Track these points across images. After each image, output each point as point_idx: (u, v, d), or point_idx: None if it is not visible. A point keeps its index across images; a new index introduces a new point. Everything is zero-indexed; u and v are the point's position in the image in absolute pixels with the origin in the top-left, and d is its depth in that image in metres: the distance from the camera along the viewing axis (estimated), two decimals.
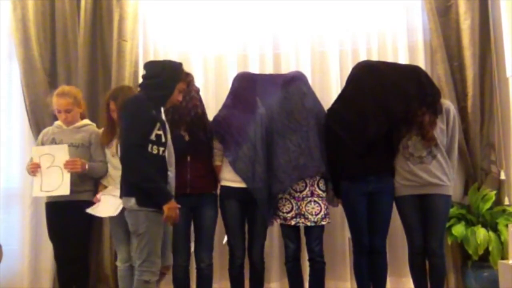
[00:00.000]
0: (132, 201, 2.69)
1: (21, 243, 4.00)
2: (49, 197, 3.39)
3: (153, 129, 2.68)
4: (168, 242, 2.89)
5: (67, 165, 3.25)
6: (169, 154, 2.93)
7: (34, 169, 3.31)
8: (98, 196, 3.28)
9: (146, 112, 2.68)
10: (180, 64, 2.89)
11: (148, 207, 2.67)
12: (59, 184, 3.26)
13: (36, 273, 3.99)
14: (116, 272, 3.41)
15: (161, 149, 2.73)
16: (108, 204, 3.22)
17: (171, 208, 2.68)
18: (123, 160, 2.71)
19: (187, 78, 3.09)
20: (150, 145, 2.67)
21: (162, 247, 2.81)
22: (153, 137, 2.67)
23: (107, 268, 3.84)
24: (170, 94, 2.81)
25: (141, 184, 2.66)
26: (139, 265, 2.70)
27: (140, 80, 3.85)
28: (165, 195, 2.70)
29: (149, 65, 2.88)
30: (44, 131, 3.52)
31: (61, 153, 3.28)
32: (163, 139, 2.74)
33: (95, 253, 3.88)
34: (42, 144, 3.42)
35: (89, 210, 3.23)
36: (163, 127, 2.75)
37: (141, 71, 3.93)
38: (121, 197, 2.82)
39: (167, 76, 2.78)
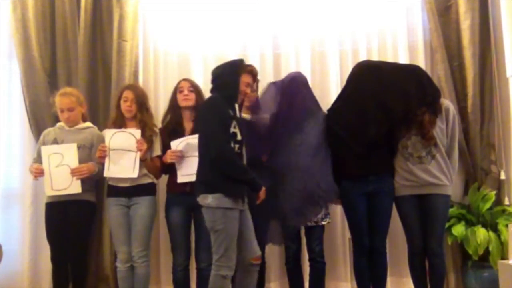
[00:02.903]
0: (209, 199, 2.78)
1: (21, 243, 4.00)
2: (49, 197, 3.40)
3: (230, 126, 2.79)
4: (252, 234, 2.93)
5: (73, 173, 3.29)
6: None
7: (37, 174, 3.33)
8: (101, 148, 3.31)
9: (222, 110, 2.81)
10: (239, 60, 3.00)
11: (227, 203, 2.76)
12: (69, 183, 3.30)
13: (36, 273, 3.98)
14: (116, 272, 3.43)
15: (237, 146, 2.83)
16: (121, 162, 3.28)
17: (264, 192, 2.90)
18: (217, 157, 2.76)
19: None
20: (231, 141, 2.79)
21: (246, 240, 2.89)
22: (231, 132, 2.79)
23: (107, 268, 3.84)
24: (236, 89, 2.92)
25: (239, 176, 2.79)
26: (216, 260, 2.77)
27: (141, 80, 3.95)
28: (258, 183, 2.87)
29: (213, 70, 3.01)
30: (46, 131, 3.53)
31: (70, 152, 3.33)
32: (239, 137, 2.83)
33: (95, 254, 3.87)
34: (44, 144, 3.43)
35: (106, 174, 3.32)
36: (239, 125, 2.85)
37: (141, 71, 4.01)
38: (196, 194, 2.89)
39: (227, 75, 2.91)
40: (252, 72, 3.25)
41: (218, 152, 2.76)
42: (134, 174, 3.28)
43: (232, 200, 2.77)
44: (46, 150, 3.37)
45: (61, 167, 3.32)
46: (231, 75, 2.91)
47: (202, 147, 2.88)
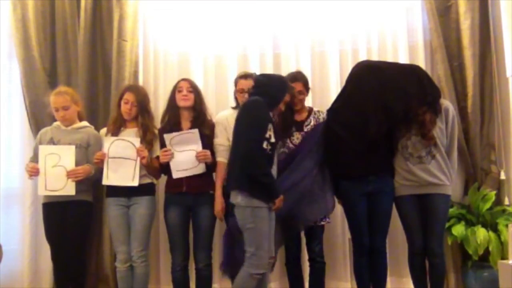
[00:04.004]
0: (239, 198, 2.84)
1: (21, 243, 4.00)
2: (46, 197, 3.40)
3: (266, 128, 2.87)
4: (273, 234, 2.97)
5: (69, 175, 3.29)
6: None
7: (32, 173, 3.33)
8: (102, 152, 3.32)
9: (262, 111, 2.91)
10: (287, 79, 3.16)
11: (256, 201, 2.80)
12: (64, 185, 3.30)
13: (36, 273, 3.98)
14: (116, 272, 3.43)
15: (269, 147, 2.88)
16: (120, 171, 3.29)
17: (281, 200, 2.92)
18: (244, 154, 2.82)
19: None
20: (265, 142, 2.85)
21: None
22: (267, 135, 2.86)
23: (107, 268, 3.84)
24: (278, 104, 3.02)
25: (258, 177, 2.82)
26: (247, 258, 2.82)
27: (141, 80, 3.93)
28: (277, 190, 2.91)
29: (259, 77, 3.14)
30: (43, 131, 3.54)
31: (68, 154, 3.33)
32: (273, 139, 2.90)
33: (95, 254, 3.88)
34: (40, 144, 3.44)
35: (105, 182, 3.31)
36: (274, 129, 2.93)
37: (141, 71, 4.01)
38: (228, 190, 2.96)
39: (275, 88, 3.00)
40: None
41: (246, 148, 2.81)
42: (134, 183, 3.28)
43: (259, 199, 2.81)
44: (43, 150, 3.36)
45: (57, 168, 3.32)
46: (279, 91, 3.01)
47: (234, 144, 2.95)
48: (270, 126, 2.89)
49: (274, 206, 2.91)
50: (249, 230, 2.82)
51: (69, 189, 3.30)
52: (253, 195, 2.81)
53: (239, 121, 2.95)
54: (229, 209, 3.10)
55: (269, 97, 2.95)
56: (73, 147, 3.35)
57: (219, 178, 3.30)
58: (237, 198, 2.85)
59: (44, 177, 3.32)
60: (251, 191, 2.81)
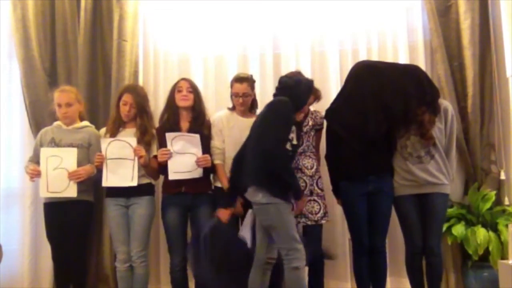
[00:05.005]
0: (260, 195, 2.79)
1: (21, 243, 4.01)
2: (47, 197, 3.40)
3: (290, 130, 2.88)
4: None
5: (71, 176, 3.29)
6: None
7: (33, 175, 3.34)
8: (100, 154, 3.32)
9: (290, 113, 2.90)
10: (312, 81, 3.14)
11: (277, 199, 2.77)
12: (65, 186, 3.31)
13: (36, 273, 3.99)
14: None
15: (291, 148, 2.90)
16: (119, 171, 3.29)
17: (304, 201, 2.94)
18: (269, 151, 2.77)
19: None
20: (288, 143, 2.87)
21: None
22: (290, 136, 2.88)
23: (107, 268, 3.85)
24: (303, 107, 3.07)
25: (283, 175, 2.79)
26: (285, 254, 2.77)
27: (141, 80, 3.92)
28: (300, 190, 2.93)
29: (284, 79, 3.07)
30: (43, 130, 3.54)
31: (69, 156, 3.34)
32: (295, 141, 2.94)
33: (95, 253, 3.88)
34: (41, 143, 3.44)
35: (104, 184, 3.31)
36: (297, 131, 2.97)
37: (141, 71, 4.00)
38: (247, 186, 2.89)
39: (301, 91, 3.01)
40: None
41: (273, 145, 2.78)
42: (133, 183, 3.28)
43: (280, 198, 2.78)
44: (45, 152, 3.37)
45: (59, 170, 3.32)
46: (304, 94, 3.03)
47: (257, 141, 2.88)
48: (293, 128, 2.89)
49: (295, 209, 2.88)
50: (277, 229, 2.78)
51: (71, 191, 3.30)
52: (273, 193, 2.76)
53: (264, 118, 2.92)
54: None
55: (295, 99, 2.92)
56: (75, 150, 3.35)
57: (223, 178, 3.30)
58: (257, 196, 2.81)
59: (46, 179, 3.32)
60: (270, 189, 2.76)
